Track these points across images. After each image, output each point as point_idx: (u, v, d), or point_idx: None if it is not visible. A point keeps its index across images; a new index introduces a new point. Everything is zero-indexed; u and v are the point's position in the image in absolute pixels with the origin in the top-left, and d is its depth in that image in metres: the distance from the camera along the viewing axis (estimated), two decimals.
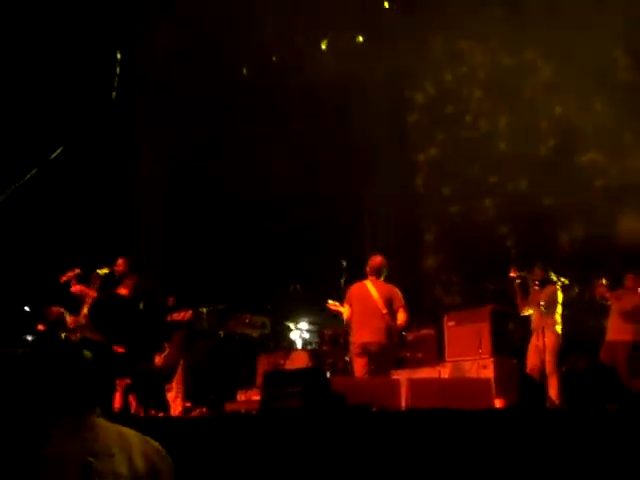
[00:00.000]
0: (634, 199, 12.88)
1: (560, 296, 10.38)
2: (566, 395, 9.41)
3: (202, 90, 14.14)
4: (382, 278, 9.78)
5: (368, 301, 9.59)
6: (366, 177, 15.18)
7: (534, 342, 10.30)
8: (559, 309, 10.32)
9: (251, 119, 14.58)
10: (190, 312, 9.74)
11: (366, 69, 14.78)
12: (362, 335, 9.49)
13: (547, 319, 10.21)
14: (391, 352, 9.65)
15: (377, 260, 9.86)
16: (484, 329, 10.67)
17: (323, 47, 14.83)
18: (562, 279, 10.54)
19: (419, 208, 15.35)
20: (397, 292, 9.71)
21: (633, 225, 12.88)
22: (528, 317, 10.61)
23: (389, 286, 9.75)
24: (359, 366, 9.45)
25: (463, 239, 14.78)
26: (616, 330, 10.37)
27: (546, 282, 10.41)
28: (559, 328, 10.24)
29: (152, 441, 2.37)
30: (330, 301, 10.13)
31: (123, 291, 9.28)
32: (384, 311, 9.48)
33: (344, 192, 14.88)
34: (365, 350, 9.39)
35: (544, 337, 10.11)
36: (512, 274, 10.66)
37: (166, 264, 13.20)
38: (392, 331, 9.51)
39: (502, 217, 14.64)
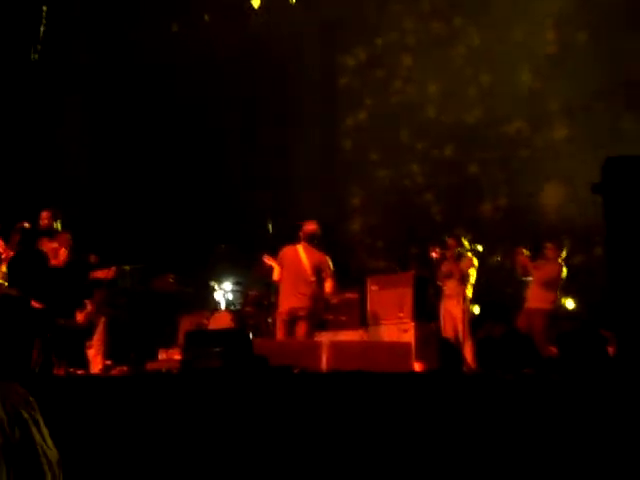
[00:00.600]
0: (557, 169, 13.11)
1: (476, 263, 10.67)
2: (483, 360, 9.64)
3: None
4: (314, 245, 9.80)
5: (298, 266, 9.62)
6: (294, 139, 15.11)
7: (448, 309, 10.60)
8: (473, 279, 10.61)
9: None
10: (113, 270, 9.66)
11: (298, 31, 14.72)
12: (289, 301, 9.55)
13: (462, 287, 10.52)
14: (316, 317, 9.74)
15: (311, 226, 9.85)
16: (406, 294, 10.72)
17: (255, 5, 14.66)
18: (475, 246, 10.81)
19: (346, 172, 15.37)
20: (327, 260, 9.75)
21: (556, 195, 13.14)
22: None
23: (320, 254, 9.77)
24: (282, 334, 9.51)
25: (389, 204, 14.88)
26: (535, 298, 10.61)
27: (461, 253, 10.68)
28: (470, 295, 10.54)
29: (19, 388, 2.24)
30: (266, 255, 10.13)
31: (62, 251, 9.14)
32: (312, 279, 9.54)
33: (272, 155, 14.80)
34: (291, 316, 9.45)
35: (460, 304, 10.42)
36: (434, 254, 10.87)
37: (89, 221, 12.95)
38: (318, 298, 9.60)
39: (428, 183, 14.77)
